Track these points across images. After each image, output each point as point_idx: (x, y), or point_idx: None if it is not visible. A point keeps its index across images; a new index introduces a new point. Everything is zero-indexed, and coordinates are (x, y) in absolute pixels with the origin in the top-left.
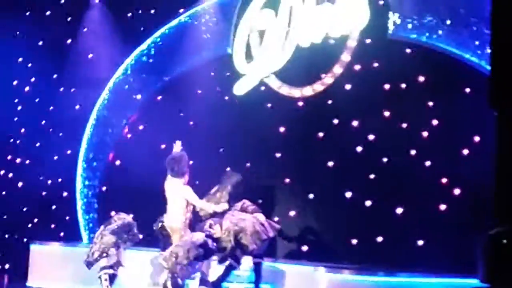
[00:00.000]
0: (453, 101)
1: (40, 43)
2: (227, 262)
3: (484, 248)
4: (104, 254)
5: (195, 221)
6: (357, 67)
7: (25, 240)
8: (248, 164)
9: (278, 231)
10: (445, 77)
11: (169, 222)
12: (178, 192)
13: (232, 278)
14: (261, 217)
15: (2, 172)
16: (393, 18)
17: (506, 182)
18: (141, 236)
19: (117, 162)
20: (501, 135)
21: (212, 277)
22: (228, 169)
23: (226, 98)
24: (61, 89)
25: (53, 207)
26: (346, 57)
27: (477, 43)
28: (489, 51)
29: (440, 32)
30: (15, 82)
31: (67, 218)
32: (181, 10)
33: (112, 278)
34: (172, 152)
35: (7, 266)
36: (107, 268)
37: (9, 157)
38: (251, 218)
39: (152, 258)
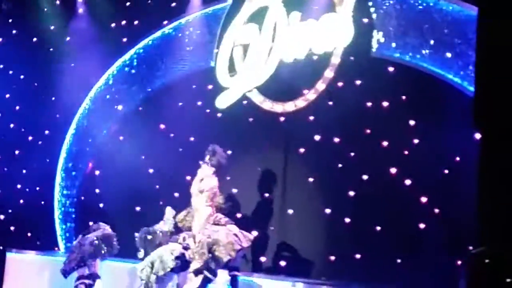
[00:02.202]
0: (435, 120)
1: (22, 51)
2: (203, 275)
3: (466, 267)
4: (82, 264)
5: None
6: (340, 84)
7: (0, 248)
8: (228, 178)
9: (252, 242)
10: (427, 97)
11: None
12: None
13: None
14: (234, 228)
15: None
16: (377, 36)
17: (487, 202)
18: (118, 247)
19: (96, 172)
20: (483, 155)
21: None
22: None
23: (208, 111)
24: (42, 97)
25: (30, 215)
26: (329, 73)
27: (460, 63)
28: (472, 72)
29: (423, 51)
30: None
31: (44, 227)
32: (165, 22)
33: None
34: None
35: None
36: (84, 278)
37: None
38: (224, 229)
39: (129, 269)
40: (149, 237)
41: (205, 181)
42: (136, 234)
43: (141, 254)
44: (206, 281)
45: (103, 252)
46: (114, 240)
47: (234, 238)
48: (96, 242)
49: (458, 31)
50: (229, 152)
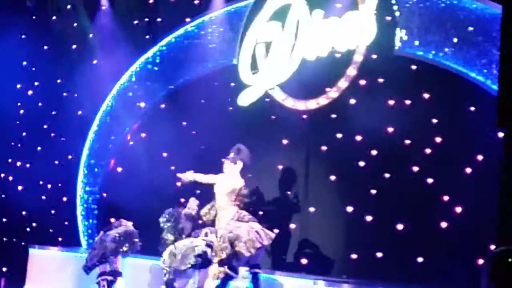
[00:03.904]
0: (458, 119)
1: (45, 47)
2: (224, 270)
3: (488, 266)
4: (103, 260)
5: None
6: (363, 82)
7: (23, 244)
8: (249, 175)
9: (274, 240)
10: (450, 95)
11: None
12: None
13: None
14: (256, 225)
15: (2, 175)
16: (400, 34)
17: (510, 201)
18: (140, 244)
19: (119, 169)
20: (507, 154)
21: (209, 287)
22: None
23: (230, 108)
24: (64, 94)
25: (53, 211)
26: (351, 71)
27: (483, 61)
28: (495, 70)
29: (446, 49)
30: (18, 86)
31: (66, 223)
32: (188, 20)
33: (110, 284)
34: None
35: (4, 269)
36: (106, 274)
37: (9, 160)
38: (246, 226)
39: (150, 266)
40: (172, 219)
41: (230, 181)
42: (160, 219)
43: (165, 235)
44: (228, 278)
45: (124, 249)
46: (135, 237)
47: (256, 235)
48: (118, 239)
49: (482, 29)
50: (250, 149)
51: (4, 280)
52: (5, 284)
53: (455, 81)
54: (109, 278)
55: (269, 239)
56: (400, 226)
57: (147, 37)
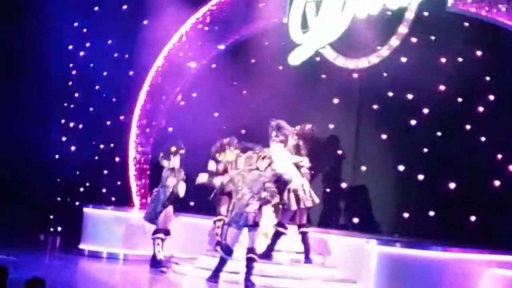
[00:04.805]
0: (510, 76)
1: (96, 8)
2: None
3: None
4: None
5: None
6: (414, 39)
7: (77, 203)
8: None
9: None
10: (502, 52)
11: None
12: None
13: (281, 247)
14: (306, 185)
15: (56, 136)
16: None
17: None
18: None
19: (170, 129)
20: None
21: (261, 247)
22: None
23: (280, 67)
24: (115, 54)
25: (105, 171)
26: (403, 29)
27: None
28: None
29: (500, 6)
30: (70, 47)
31: (118, 183)
32: None
33: (163, 242)
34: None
35: (59, 228)
36: (161, 232)
37: (62, 121)
38: (299, 179)
39: (202, 224)
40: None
41: (278, 165)
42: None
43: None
44: (278, 235)
45: (173, 149)
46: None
47: (302, 194)
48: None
49: None
50: (300, 108)
51: (59, 239)
52: (60, 243)
53: (508, 38)
54: (163, 236)
55: (310, 203)
56: (452, 185)
57: None
